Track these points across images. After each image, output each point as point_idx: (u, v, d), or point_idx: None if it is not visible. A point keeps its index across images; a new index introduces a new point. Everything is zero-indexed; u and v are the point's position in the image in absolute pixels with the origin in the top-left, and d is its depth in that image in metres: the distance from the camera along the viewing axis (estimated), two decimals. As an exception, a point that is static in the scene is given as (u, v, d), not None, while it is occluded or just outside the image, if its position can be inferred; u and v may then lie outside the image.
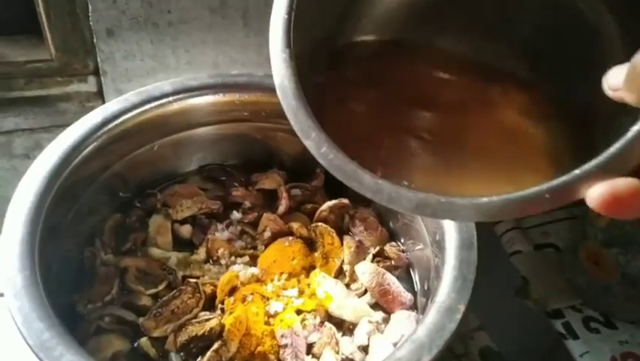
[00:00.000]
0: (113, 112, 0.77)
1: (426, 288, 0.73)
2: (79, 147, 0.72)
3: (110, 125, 0.76)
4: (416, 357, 0.56)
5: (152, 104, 0.79)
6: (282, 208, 0.82)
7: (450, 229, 0.67)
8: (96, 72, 1.15)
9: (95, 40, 1.06)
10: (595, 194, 0.36)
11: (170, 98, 0.79)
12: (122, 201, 0.82)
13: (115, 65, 1.09)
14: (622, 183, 0.35)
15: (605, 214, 0.36)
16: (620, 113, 0.37)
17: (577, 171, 0.37)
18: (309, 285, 0.75)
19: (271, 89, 0.81)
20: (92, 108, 1.16)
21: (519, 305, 1.08)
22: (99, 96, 1.18)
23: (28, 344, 0.54)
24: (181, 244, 0.80)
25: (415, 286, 0.78)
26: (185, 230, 0.80)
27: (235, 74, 0.84)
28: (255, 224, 0.83)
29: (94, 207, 0.77)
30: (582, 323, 1.09)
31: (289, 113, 0.48)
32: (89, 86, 1.17)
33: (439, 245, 0.69)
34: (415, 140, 0.50)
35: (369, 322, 0.70)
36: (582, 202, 0.37)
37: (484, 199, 0.39)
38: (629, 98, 0.35)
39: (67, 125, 1.15)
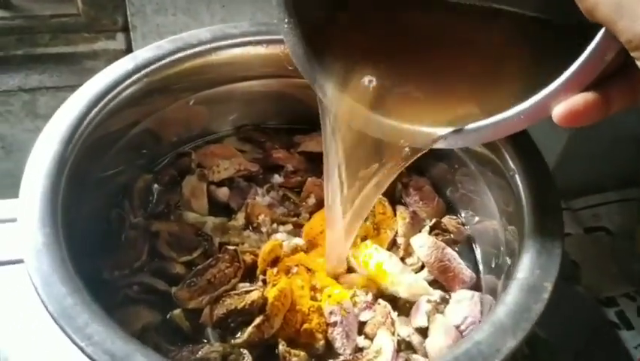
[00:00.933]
0: (145, 60, 0.68)
1: (493, 265, 0.64)
2: (106, 97, 0.65)
3: (141, 74, 0.67)
4: (499, 342, 0.48)
5: (188, 53, 0.70)
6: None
7: (527, 196, 0.59)
8: (125, 29, 1.09)
9: (125, -9, 0.98)
10: (559, 110, 0.44)
11: (209, 47, 0.71)
12: (152, 160, 0.74)
13: (145, 20, 1.02)
14: (579, 98, 0.44)
15: (566, 126, 0.45)
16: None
17: (543, 92, 0.45)
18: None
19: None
20: (120, 67, 1.10)
21: (568, 291, 1.01)
22: (128, 54, 1.11)
23: (48, 310, 0.47)
24: (217, 208, 0.72)
25: (478, 263, 0.69)
26: (223, 193, 0.72)
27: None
28: (298, 189, 0.75)
29: (122, 165, 0.70)
30: (637, 313, 1.02)
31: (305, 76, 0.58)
32: (117, 43, 1.11)
33: (512, 215, 0.60)
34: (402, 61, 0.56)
35: (429, 301, 0.62)
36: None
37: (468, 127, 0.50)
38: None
39: (94, 84, 1.08)
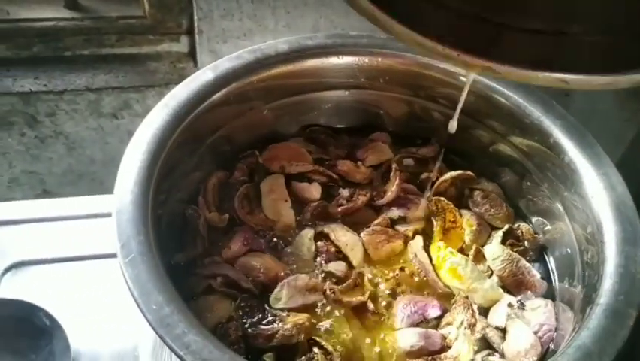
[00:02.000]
0: (225, 70, 0.70)
1: (574, 281, 0.64)
2: (191, 107, 0.66)
3: (223, 85, 0.69)
4: (585, 368, 0.48)
5: (268, 64, 0.71)
6: (390, 196, 0.74)
7: (608, 221, 0.59)
8: (189, 32, 1.10)
9: (193, -4, 1.00)
10: None
11: (286, 59, 0.72)
12: (224, 160, 0.76)
13: (212, 24, 1.03)
14: None
15: None
16: None
17: None
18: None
19: (394, 53, 0.75)
20: (183, 69, 1.12)
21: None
22: (190, 57, 1.13)
23: (147, 319, 0.49)
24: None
25: (551, 272, 0.70)
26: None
27: (355, 35, 0.76)
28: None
29: (199, 168, 0.72)
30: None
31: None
32: (181, 46, 1.12)
33: (592, 238, 0.60)
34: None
35: (510, 305, 0.63)
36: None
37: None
38: None
39: (158, 85, 1.11)
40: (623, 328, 0.51)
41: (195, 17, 1.03)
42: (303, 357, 0.59)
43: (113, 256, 0.84)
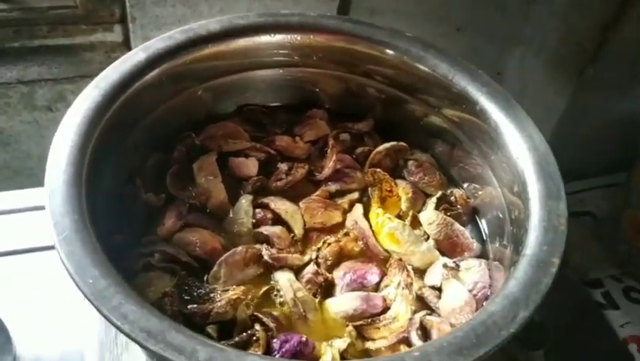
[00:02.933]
0: (157, 50, 0.70)
1: (500, 235, 0.67)
2: (121, 87, 0.66)
3: (155, 65, 0.69)
4: (512, 313, 0.51)
5: (200, 44, 0.72)
6: (328, 171, 0.76)
7: (532, 179, 0.62)
8: (122, 20, 1.09)
9: (124, -17, 0.99)
10: None
11: (219, 38, 0.73)
12: (161, 142, 0.75)
13: (144, 11, 1.03)
14: None
15: None
16: None
17: None
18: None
19: (326, 31, 0.76)
20: (118, 58, 1.11)
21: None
22: (125, 46, 1.12)
23: (83, 292, 0.49)
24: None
25: (482, 233, 0.73)
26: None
27: (287, 14, 0.77)
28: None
29: (135, 147, 0.72)
30: (622, 293, 1.07)
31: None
32: (115, 35, 1.11)
33: (518, 196, 0.63)
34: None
35: (445, 265, 0.65)
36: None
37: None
38: None
39: (93, 75, 1.09)
40: (547, 275, 0.54)
41: (127, 4, 1.02)
42: (244, 333, 0.60)
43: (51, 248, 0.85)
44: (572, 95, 1.19)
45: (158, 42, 0.72)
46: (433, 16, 1.23)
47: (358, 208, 0.71)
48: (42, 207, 0.82)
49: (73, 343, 0.80)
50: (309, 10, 1.06)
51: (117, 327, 0.47)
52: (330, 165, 0.75)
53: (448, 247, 0.69)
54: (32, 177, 1.17)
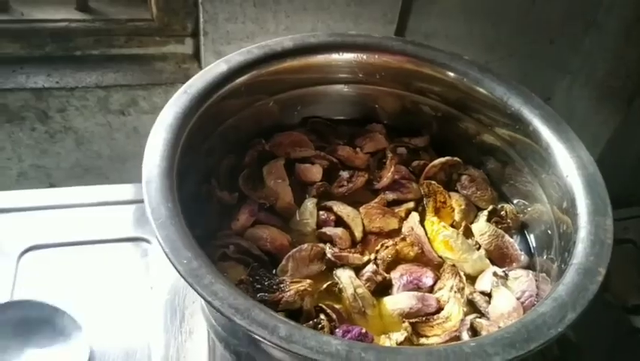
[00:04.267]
0: (237, 63, 0.77)
1: (551, 253, 0.72)
2: (207, 94, 0.73)
3: (235, 76, 0.76)
4: (560, 314, 0.56)
5: (274, 59, 0.79)
6: (386, 181, 0.82)
7: (580, 196, 0.67)
8: (193, 34, 1.18)
9: (200, 0, 1.07)
10: None
11: (291, 54, 0.79)
12: (234, 147, 0.82)
13: (217, 27, 1.11)
14: None
15: None
16: None
17: None
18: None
19: (389, 52, 0.82)
20: (188, 69, 1.19)
21: (598, 298, 1.08)
22: (195, 58, 1.20)
23: (177, 270, 0.55)
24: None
25: (531, 247, 0.78)
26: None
27: (354, 34, 0.84)
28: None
29: (212, 150, 0.78)
30: (661, 320, 1.09)
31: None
32: (185, 47, 1.20)
33: (567, 212, 0.68)
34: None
35: (495, 274, 0.70)
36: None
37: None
38: None
39: (163, 84, 1.17)
40: (593, 283, 0.59)
41: (201, 20, 1.10)
42: (310, 321, 0.66)
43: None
44: (619, 124, 1.23)
45: (238, 56, 0.79)
46: (484, 42, 1.29)
47: (414, 216, 0.77)
48: (109, 203, 0.91)
49: (139, 331, 0.85)
50: (368, 31, 1.13)
51: (209, 302, 0.53)
52: (388, 175, 0.81)
53: (498, 257, 0.74)
54: (100, 175, 1.25)
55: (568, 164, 0.70)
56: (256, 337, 0.52)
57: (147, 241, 0.94)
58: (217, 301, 0.53)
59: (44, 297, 0.81)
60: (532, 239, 0.78)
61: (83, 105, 1.15)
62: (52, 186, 1.25)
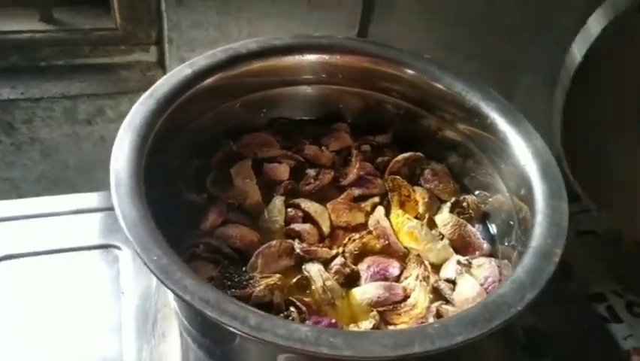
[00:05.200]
0: (202, 67, 0.78)
1: (512, 240, 0.74)
2: (172, 96, 0.74)
3: (200, 80, 0.77)
4: (519, 295, 0.58)
5: (239, 62, 0.80)
6: (352, 177, 0.84)
7: (537, 182, 0.69)
8: (157, 42, 1.19)
9: (164, 8, 1.08)
10: None
11: (256, 57, 0.81)
12: (201, 147, 0.83)
13: (181, 34, 1.12)
14: None
15: None
16: None
17: None
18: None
19: (351, 52, 0.85)
20: (153, 77, 1.20)
21: (562, 288, 1.11)
22: (159, 65, 1.21)
23: (149, 268, 0.56)
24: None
25: (493, 235, 0.80)
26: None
27: (317, 36, 0.86)
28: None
29: (177, 152, 0.79)
30: (625, 308, 1.13)
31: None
32: (150, 55, 1.21)
33: (524, 198, 0.70)
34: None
35: (458, 262, 0.72)
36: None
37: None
38: None
39: (130, 92, 1.18)
40: (550, 264, 0.61)
41: (165, 27, 1.11)
42: (281, 314, 0.67)
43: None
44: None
45: (202, 59, 0.80)
46: (443, 45, 1.32)
47: (380, 210, 0.79)
48: (79, 211, 0.91)
49: (112, 337, 0.86)
50: (330, 35, 1.15)
51: (180, 296, 0.54)
52: (354, 172, 0.83)
53: (461, 246, 0.77)
54: (69, 186, 1.25)
55: (524, 153, 0.73)
56: (228, 328, 0.53)
57: (117, 247, 0.94)
58: (187, 295, 0.54)
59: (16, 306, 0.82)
60: (493, 228, 0.81)
61: (49, 116, 1.15)
62: (20, 197, 1.24)
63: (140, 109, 0.72)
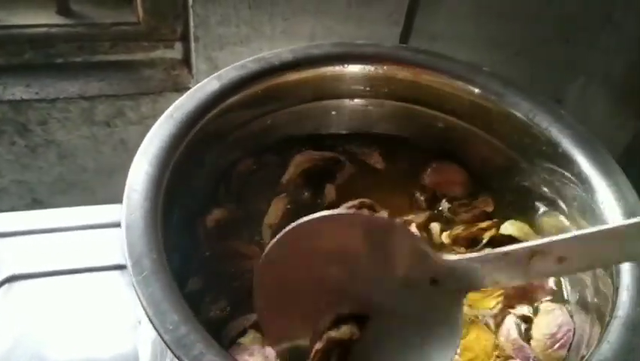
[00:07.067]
0: (231, 79, 0.68)
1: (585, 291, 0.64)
2: (197, 117, 0.65)
3: (229, 94, 0.68)
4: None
5: (271, 73, 0.70)
6: None
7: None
8: (183, 38, 1.09)
9: (190, 1, 0.99)
10: None
11: (291, 68, 0.71)
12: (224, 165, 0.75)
13: (208, 31, 1.02)
14: None
15: None
16: None
17: None
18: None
19: (402, 62, 0.74)
20: (178, 76, 1.11)
21: None
22: (185, 64, 1.12)
23: (163, 339, 0.47)
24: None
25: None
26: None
27: (361, 44, 0.75)
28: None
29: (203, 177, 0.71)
30: None
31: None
32: (175, 52, 1.11)
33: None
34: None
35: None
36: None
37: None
38: None
39: (152, 92, 1.09)
40: (646, 340, 0.51)
41: (191, 24, 1.01)
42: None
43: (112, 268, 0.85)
44: (639, 129, 1.16)
45: (231, 71, 0.70)
46: (491, 41, 1.21)
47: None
48: (96, 226, 0.83)
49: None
50: (372, 34, 1.05)
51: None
52: None
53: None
54: (86, 190, 1.17)
55: (613, 209, 0.62)
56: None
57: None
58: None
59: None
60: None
61: (65, 117, 1.07)
62: (35, 201, 1.17)
63: (157, 133, 0.62)
